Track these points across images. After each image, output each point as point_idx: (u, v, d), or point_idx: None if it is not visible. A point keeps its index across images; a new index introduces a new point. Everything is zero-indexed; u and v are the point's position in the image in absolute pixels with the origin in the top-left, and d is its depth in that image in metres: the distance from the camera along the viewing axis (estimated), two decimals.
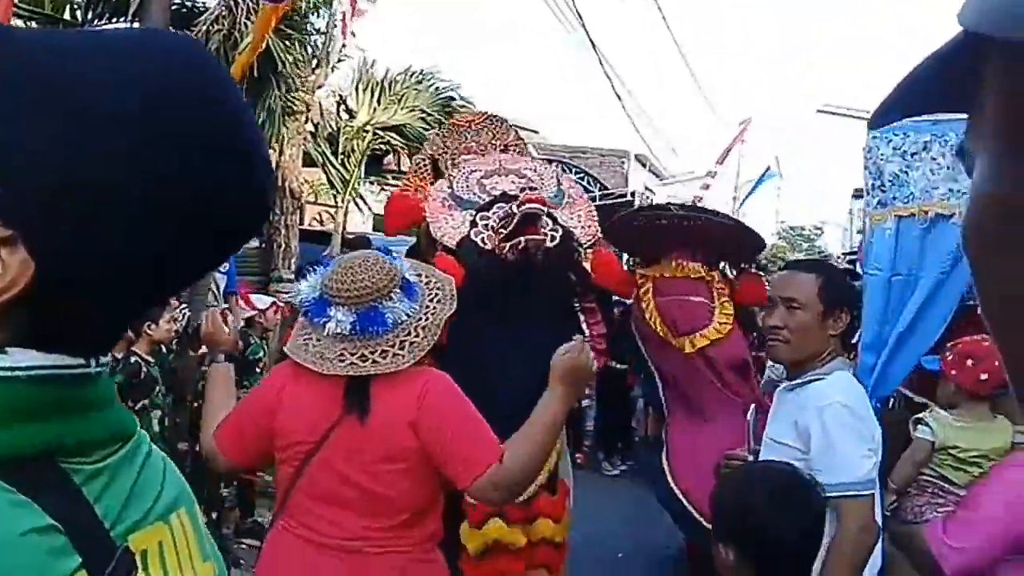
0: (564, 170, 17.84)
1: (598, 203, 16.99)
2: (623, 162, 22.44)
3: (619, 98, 16.92)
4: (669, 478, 4.79)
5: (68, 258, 0.63)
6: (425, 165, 3.95)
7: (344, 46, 9.47)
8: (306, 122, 9.82)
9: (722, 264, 5.13)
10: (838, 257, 25.36)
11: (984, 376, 2.85)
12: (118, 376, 3.91)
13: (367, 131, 10.46)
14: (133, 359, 4.05)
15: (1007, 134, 0.36)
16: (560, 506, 3.46)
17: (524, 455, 1.99)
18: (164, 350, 4.49)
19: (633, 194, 18.01)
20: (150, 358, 4.17)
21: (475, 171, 3.87)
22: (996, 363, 2.89)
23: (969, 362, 2.88)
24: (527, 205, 3.34)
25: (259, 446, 2.18)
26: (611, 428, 8.46)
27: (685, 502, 4.59)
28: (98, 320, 0.70)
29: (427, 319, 2.11)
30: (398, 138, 10.72)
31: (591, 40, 14.32)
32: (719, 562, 1.67)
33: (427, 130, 10.80)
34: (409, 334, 2.08)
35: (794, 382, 2.43)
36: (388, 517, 2.06)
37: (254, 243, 10.91)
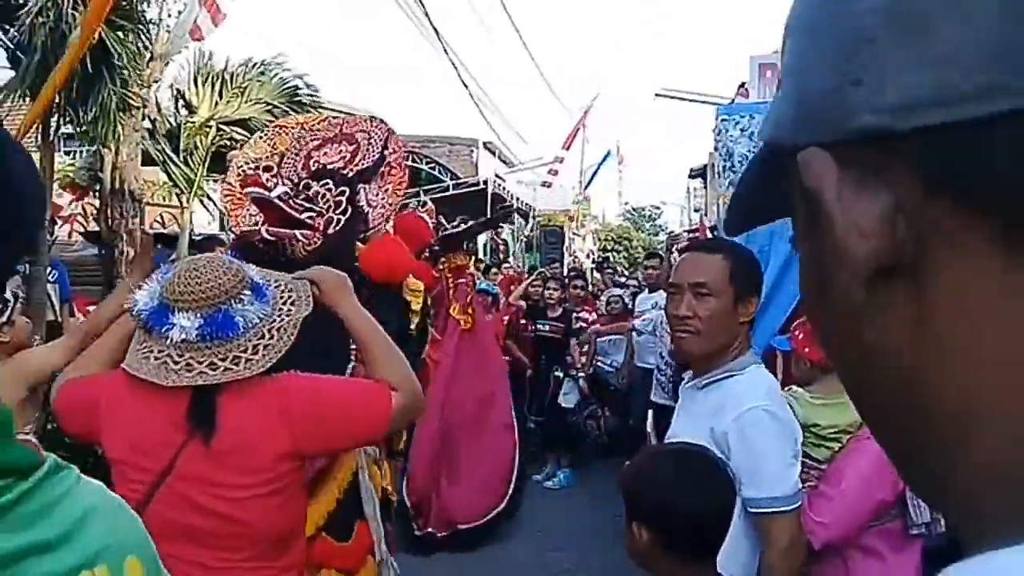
0: (416, 160, 17.83)
1: (452, 192, 17.10)
2: (472, 150, 22.53)
3: (465, 86, 16.95)
4: None
5: None
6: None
7: (199, 40, 9.02)
8: (143, 119, 9.32)
9: None
10: (680, 234, 26.54)
11: None
12: None
13: (210, 127, 10.04)
14: None
15: (801, 233, 0.43)
16: (353, 556, 2.87)
17: (389, 369, 1.99)
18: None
19: (485, 182, 18.14)
20: None
21: (312, 141, 3.55)
22: None
23: None
24: (248, 189, 3.01)
25: (88, 437, 2.00)
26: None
27: None
28: None
29: (281, 320, 1.94)
30: (244, 133, 10.31)
31: (434, 27, 14.27)
32: (631, 543, 1.69)
33: (273, 122, 10.52)
34: (262, 337, 1.89)
35: (705, 379, 2.17)
36: (251, 547, 1.87)
37: (92, 250, 10.29)
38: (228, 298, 1.86)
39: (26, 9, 7.22)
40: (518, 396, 6.99)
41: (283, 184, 3.12)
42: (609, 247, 35.58)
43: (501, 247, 18.87)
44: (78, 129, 8.60)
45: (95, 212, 10.13)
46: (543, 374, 7.80)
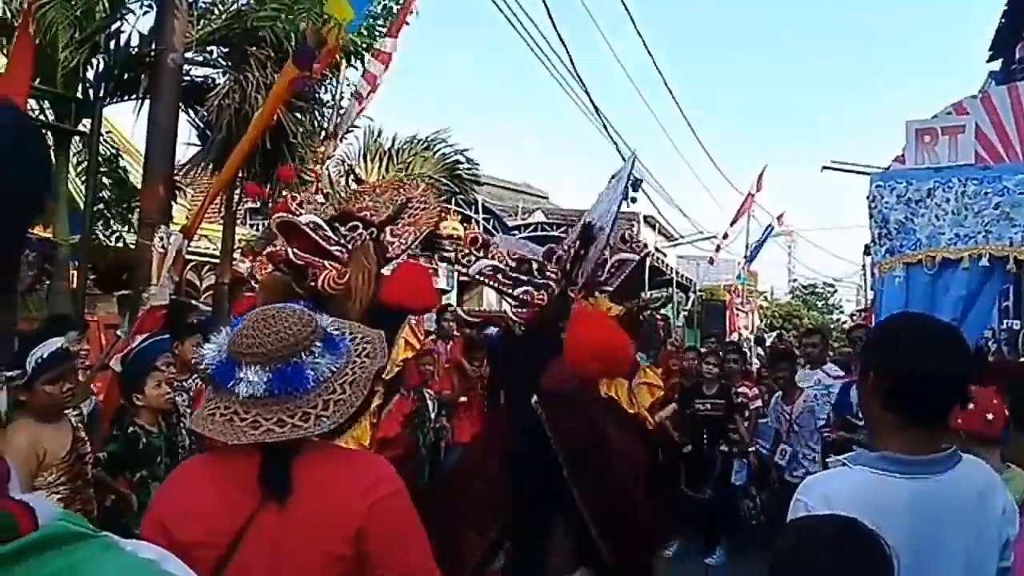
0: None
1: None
2: (633, 224, 22.55)
3: (624, 160, 17.05)
4: None
5: None
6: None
7: (357, 116, 9.64)
8: (316, 192, 9.94)
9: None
10: (852, 315, 25.20)
11: (990, 416, 2.78)
12: (111, 445, 3.84)
13: None
14: (131, 428, 3.96)
15: None
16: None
17: None
18: (172, 420, 4.41)
19: (645, 256, 18.05)
20: (153, 428, 4.06)
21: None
22: (995, 402, 2.82)
23: (971, 406, 2.82)
24: (276, 215, 3.05)
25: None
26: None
27: None
28: None
29: (354, 374, 1.80)
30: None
31: (594, 105, 14.52)
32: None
33: (435, 196, 10.96)
34: (334, 392, 1.75)
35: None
36: None
37: None
38: (299, 350, 1.73)
39: (214, 92, 7.94)
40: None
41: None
42: (777, 325, 34.30)
43: (660, 322, 18.57)
44: (265, 203, 9.26)
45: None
46: (705, 453, 7.50)
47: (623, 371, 3.05)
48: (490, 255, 3.24)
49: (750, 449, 7.37)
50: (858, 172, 12.82)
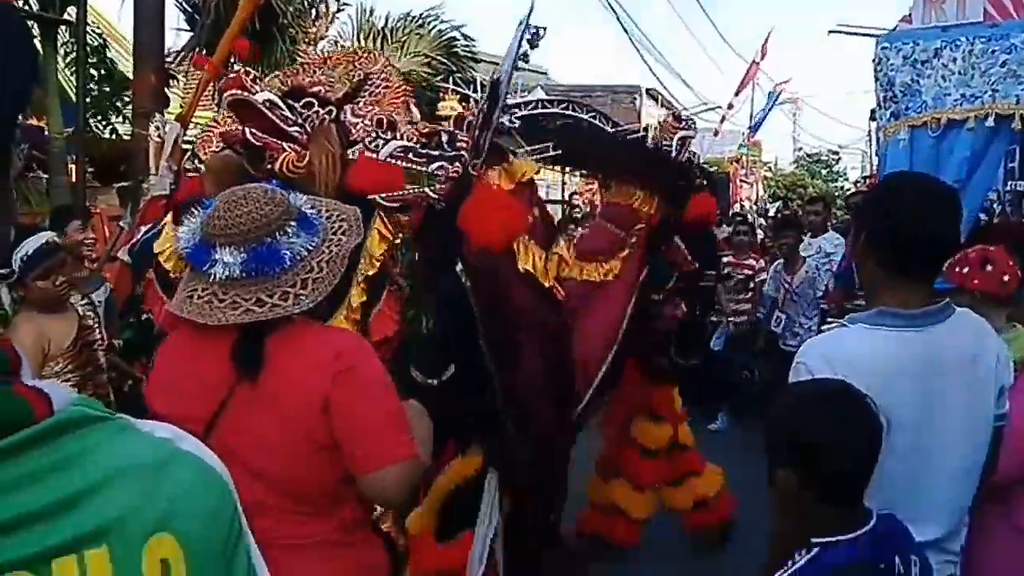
0: (575, 109, 17.67)
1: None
2: (635, 98, 22.17)
3: (626, 31, 16.61)
4: None
5: None
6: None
7: None
8: None
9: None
10: (856, 182, 25.01)
11: (1006, 277, 2.81)
12: (127, 332, 3.89)
13: None
14: (145, 315, 3.96)
15: None
16: (449, 560, 3.07)
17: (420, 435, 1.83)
18: None
19: (646, 129, 17.78)
20: None
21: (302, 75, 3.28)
22: (1011, 263, 2.85)
23: (988, 267, 2.83)
24: (229, 92, 2.74)
25: None
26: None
27: None
28: None
29: (330, 251, 1.81)
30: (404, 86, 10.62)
31: None
32: (778, 488, 1.62)
33: (432, 76, 10.70)
34: (311, 270, 1.76)
35: None
36: (295, 503, 1.75)
37: None
38: (273, 230, 1.73)
39: None
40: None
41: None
42: (781, 195, 34.15)
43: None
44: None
45: None
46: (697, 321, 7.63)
47: (507, 238, 2.94)
48: (398, 134, 3.05)
49: (731, 318, 7.47)
50: (865, 35, 12.48)
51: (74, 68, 8.75)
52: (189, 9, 8.10)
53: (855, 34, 13.32)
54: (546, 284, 3.03)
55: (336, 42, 10.57)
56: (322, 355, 1.74)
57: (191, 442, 0.69)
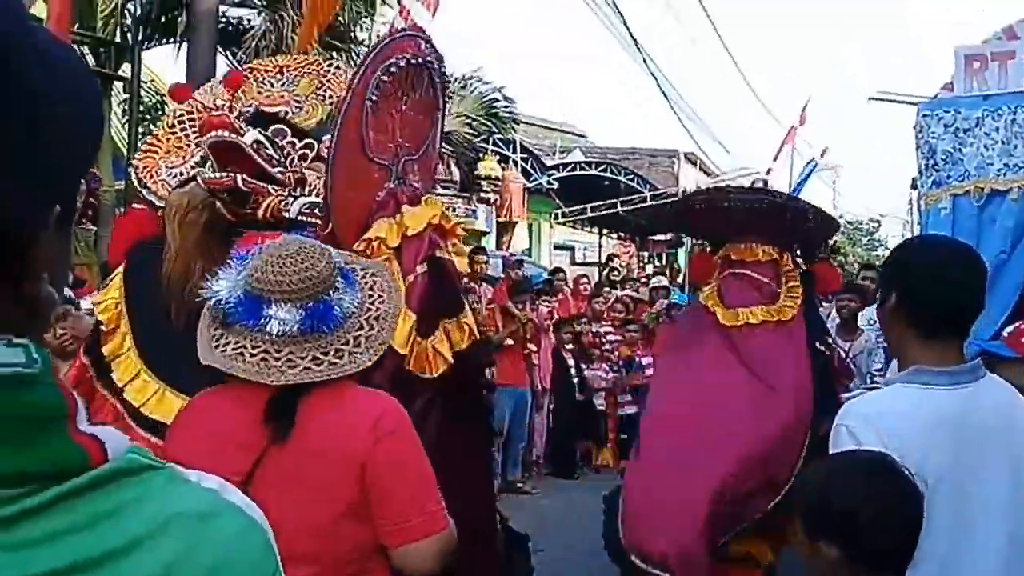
0: (613, 171, 17.83)
1: (649, 203, 16.92)
2: (673, 161, 22.25)
3: (665, 96, 16.77)
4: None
5: None
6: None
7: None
8: None
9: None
10: None
11: None
12: None
13: None
14: None
15: None
16: None
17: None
18: None
19: (683, 192, 17.82)
20: None
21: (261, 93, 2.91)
22: None
23: None
24: (212, 133, 2.44)
25: None
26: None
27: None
28: None
29: (378, 309, 1.81)
30: (444, 146, 10.78)
31: (633, 38, 14.25)
32: (818, 560, 1.55)
33: (473, 136, 10.90)
34: (361, 328, 1.76)
35: None
36: (325, 569, 1.69)
37: None
38: (327, 287, 1.72)
39: (251, 33, 7.94)
40: None
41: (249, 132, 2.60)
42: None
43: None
44: None
45: None
46: None
47: None
48: (307, 189, 2.77)
49: None
50: (906, 103, 12.47)
51: (125, 121, 9.03)
52: (238, 68, 8.36)
53: (895, 102, 13.32)
54: (401, 351, 2.51)
55: None
56: (363, 417, 1.72)
57: (237, 495, 0.69)
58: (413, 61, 2.62)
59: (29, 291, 0.59)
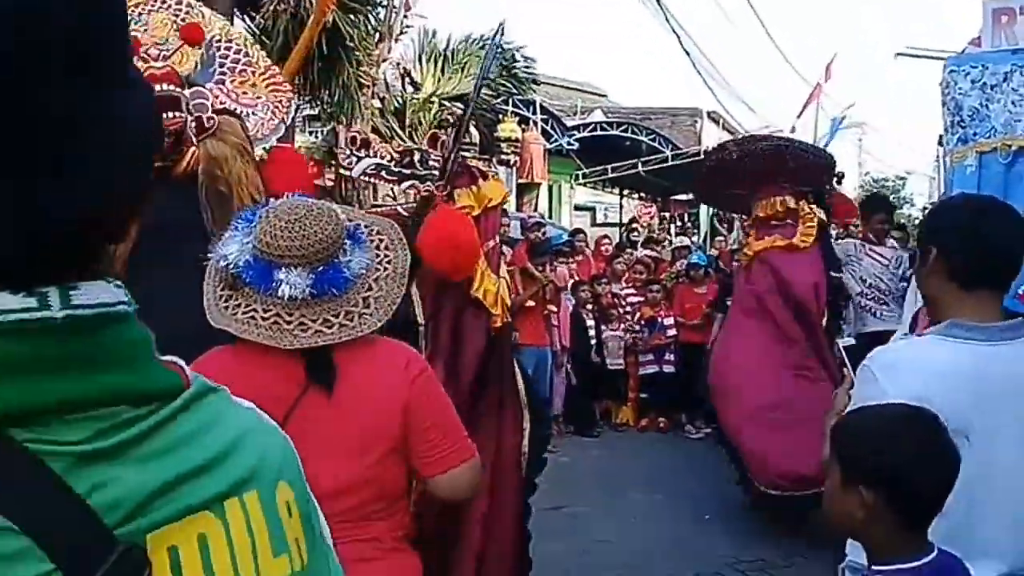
0: (635, 132, 17.66)
1: (670, 163, 16.77)
2: (695, 121, 22.00)
3: (687, 54, 16.55)
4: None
5: None
6: None
7: (406, 16, 9.51)
8: (372, 97, 9.92)
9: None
10: (923, 208, 24.36)
11: None
12: None
13: (432, 103, 10.52)
14: None
15: None
16: None
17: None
18: None
19: (706, 151, 17.63)
20: None
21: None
22: None
23: None
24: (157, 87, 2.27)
25: None
26: (693, 393, 8.32)
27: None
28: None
29: (385, 269, 1.84)
30: (463, 107, 10.75)
31: None
32: (851, 504, 1.58)
33: (493, 97, 10.82)
34: (371, 289, 1.80)
35: None
36: (357, 507, 1.77)
37: None
38: (336, 250, 1.74)
39: None
40: None
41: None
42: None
43: (725, 221, 18.33)
44: (324, 109, 9.23)
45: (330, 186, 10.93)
46: None
47: (467, 267, 2.77)
48: (372, 152, 2.95)
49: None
50: (934, 58, 12.24)
51: None
52: (257, 32, 8.32)
53: (923, 57, 13.08)
54: (493, 311, 2.89)
55: (398, 64, 10.77)
56: (396, 362, 1.84)
57: (267, 418, 0.79)
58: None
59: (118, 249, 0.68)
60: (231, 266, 1.74)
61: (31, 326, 0.57)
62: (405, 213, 2.87)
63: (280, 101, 2.67)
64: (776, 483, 5.21)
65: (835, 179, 6.37)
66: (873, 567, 1.57)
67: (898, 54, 13.53)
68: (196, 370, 1.58)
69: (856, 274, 6.51)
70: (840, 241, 6.98)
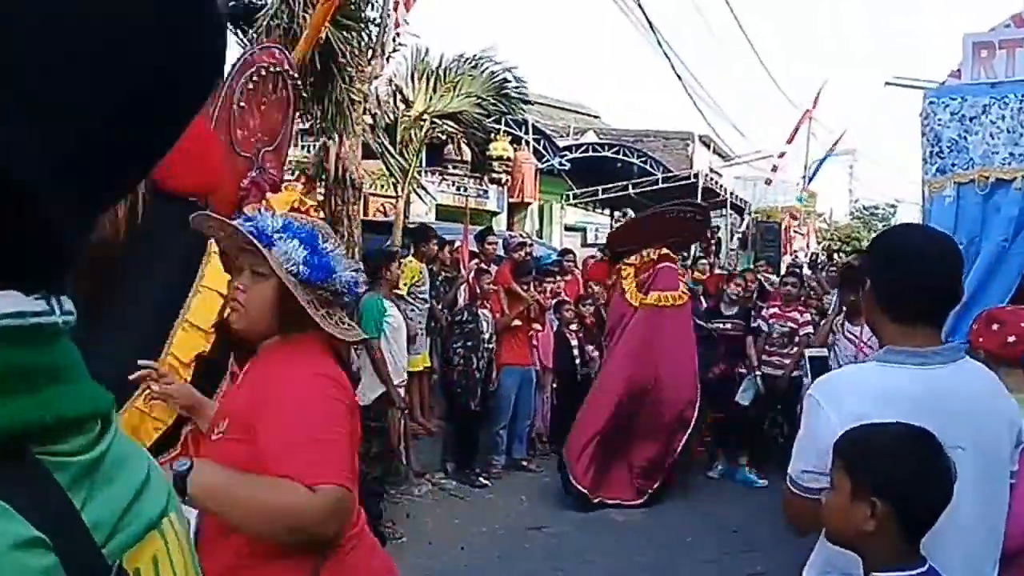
0: (627, 154, 17.75)
1: (661, 186, 16.87)
2: (687, 144, 22.15)
3: (679, 78, 16.66)
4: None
5: None
6: None
7: (398, 35, 9.56)
8: (364, 113, 9.94)
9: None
10: None
11: (1012, 339, 2.74)
12: None
13: (424, 120, 10.53)
14: None
15: None
16: None
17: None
18: None
19: (696, 175, 17.74)
20: None
21: None
22: (1023, 325, 2.78)
23: (995, 326, 2.78)
24: None
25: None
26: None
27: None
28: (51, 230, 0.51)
29: None
30: (455, 126, 10.76)
31: (648, 20, 14.15)
32: (860, 515, 1.63)
33: (484, 116, 10.85)
34: None
35: None
36: None
37: None
38: None
39: (262, 12, 7.94)
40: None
41: None
42: (835, 247, 33.63)
43: (712, 243, 18.41)
44: (316, 123, 9.24)
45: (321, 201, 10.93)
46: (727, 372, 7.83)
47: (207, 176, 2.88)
48: None
49: (757, 372, 7.59)
50: (921, 88, 12.34)
51: None
52: (250, 46, 8.36)
53: (911, 87, 13.19)
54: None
55: (391, 80, 10.79)
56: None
57: None
58: (272, 69, 3.45)
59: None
60: (351, 286, 2.01)
61: (48, 330, 0.53)
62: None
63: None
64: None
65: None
66: (874, 574, 1.64)
67: (887, 83, 13.60)
68: (324, 372, 1.84)
69: (837, 355, 6.70)
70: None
